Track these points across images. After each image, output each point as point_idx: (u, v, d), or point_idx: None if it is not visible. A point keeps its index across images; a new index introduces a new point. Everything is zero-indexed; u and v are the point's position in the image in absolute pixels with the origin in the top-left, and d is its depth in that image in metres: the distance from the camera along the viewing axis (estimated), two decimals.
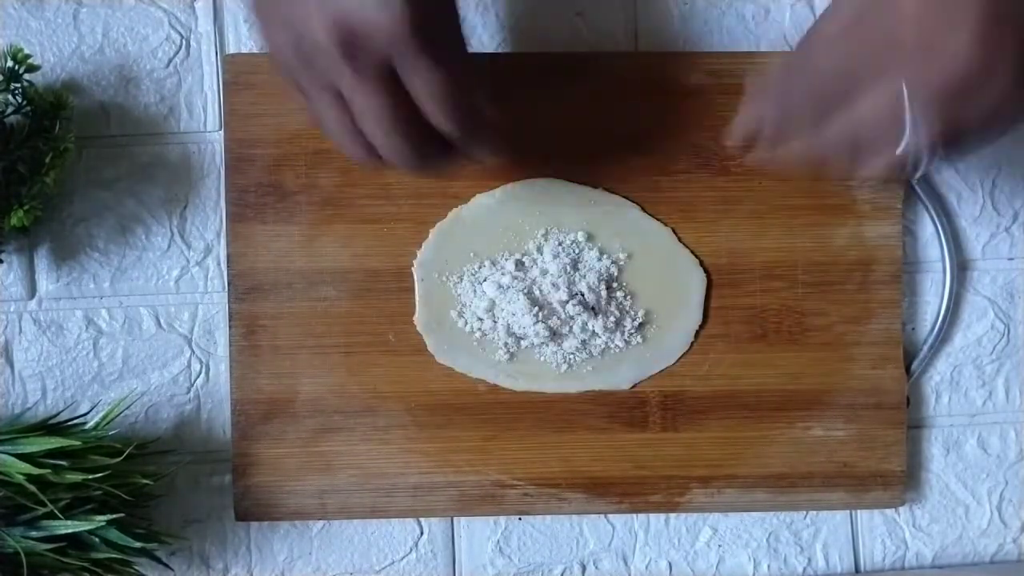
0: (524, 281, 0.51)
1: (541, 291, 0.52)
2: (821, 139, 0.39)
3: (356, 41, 0.38)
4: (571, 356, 0.52)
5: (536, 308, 0.51)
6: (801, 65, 0.40)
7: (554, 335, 0.52)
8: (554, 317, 0.52)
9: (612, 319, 0.52)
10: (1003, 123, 0.37)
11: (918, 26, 0.34)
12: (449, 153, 0.43)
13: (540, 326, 0.51)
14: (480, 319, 0.52)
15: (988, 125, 0.37)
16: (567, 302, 0.51)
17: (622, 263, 0.52)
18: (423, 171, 0.43)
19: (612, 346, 0.52)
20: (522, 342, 0.52)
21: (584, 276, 0.52)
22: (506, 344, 0.52)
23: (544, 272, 0.52)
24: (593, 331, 0.52)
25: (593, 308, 0.52)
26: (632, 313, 0.52)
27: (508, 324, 0.51)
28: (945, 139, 0.37)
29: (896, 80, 0.35)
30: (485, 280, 0.52)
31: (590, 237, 0.52)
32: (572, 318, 0.52)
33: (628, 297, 0.52)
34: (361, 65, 0.38)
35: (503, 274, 0.51)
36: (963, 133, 0.37)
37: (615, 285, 0.52)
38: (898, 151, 0.37)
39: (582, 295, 0.52)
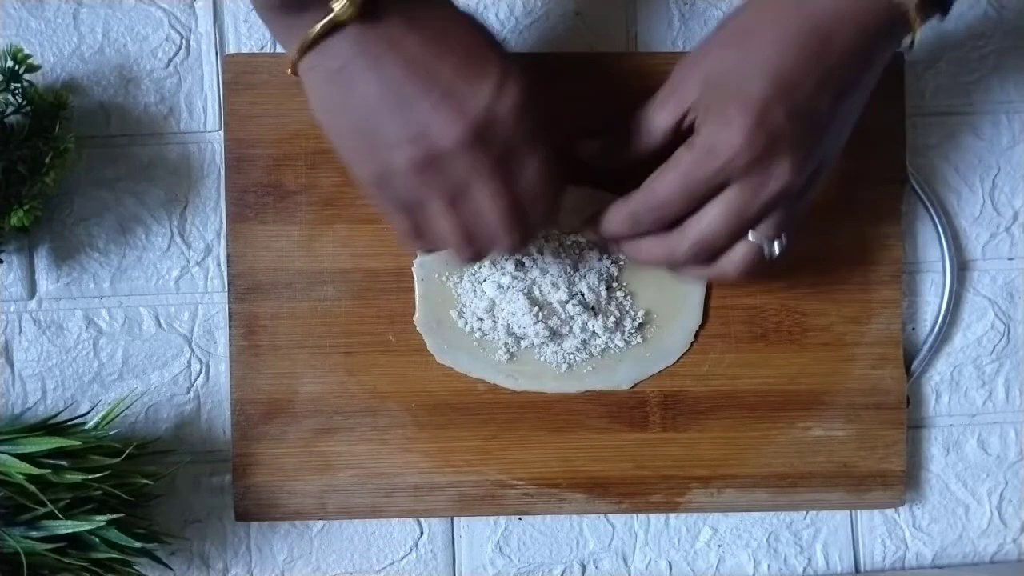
0: (524, 281, 0.51)
1: (541, 291, 0.51)
2: (675, 250, 0.45)
3: (482, 136, 0.40)
4: (571, 356, 0.52)
5: (536, 308, 0.51)
6: (650, 201, 0.45)
7: (554, 335, 0.52)
8: (554, 317, 0.51)
9: (612, 319, 0.52)
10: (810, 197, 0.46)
11: (748, 159, 0.42)
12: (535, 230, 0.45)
13: (540, 326, 0.51)
14: (480, 319, 0.52)
15: (807, 208, 0.46)
16: (567, 302, 0.51)
17: (622, 263, 0.52)
18: (523, 247, 0.46)
19: (612, 346, 0.52)
20: (522, 342, 0.52)
21: (584, 276, 0.52)
22: (506, 344, 0.52)
23: (544, 272, 0.52)
24: (593, 331, 0.52)
25: (593, 308, 0.52)
26: (632, 313, 0.52)
27: (508, 324, 0.51)
28: (781, 232, 0.45)
29: (733, 197, 0.43)
30: (485, 280, 0.52)
31: (590, 237, 0.52)
32: (572, 318, 0.52)
33: (628, 297, 0.52)
34: (486, 159, 0.41)
35: (503, 274, 0.51)
36: (795, 221, 0.45)
37: (615, 285, 0.52)
38: (744, 254, 0.45)
39: (582, 295, 0.52)
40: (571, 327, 0.52)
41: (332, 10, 0.39)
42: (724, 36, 0.44)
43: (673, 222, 0.45)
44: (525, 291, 0.51)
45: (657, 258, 0.47)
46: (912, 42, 0.43)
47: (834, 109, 0.43)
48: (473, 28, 0.42)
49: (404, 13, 0.40)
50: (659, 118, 0.45)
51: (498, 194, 0.41)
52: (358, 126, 0.41)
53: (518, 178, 0.42)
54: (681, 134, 0.45)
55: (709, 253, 0.45)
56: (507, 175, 0.41)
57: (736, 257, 0.45)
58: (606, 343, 0.52)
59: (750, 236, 0.45)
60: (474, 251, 0.43)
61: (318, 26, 0.39)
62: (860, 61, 0.43)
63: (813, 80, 0.42)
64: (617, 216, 0.46)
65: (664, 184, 0.44)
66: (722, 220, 0.44)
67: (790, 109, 0.42)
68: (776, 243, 0.45)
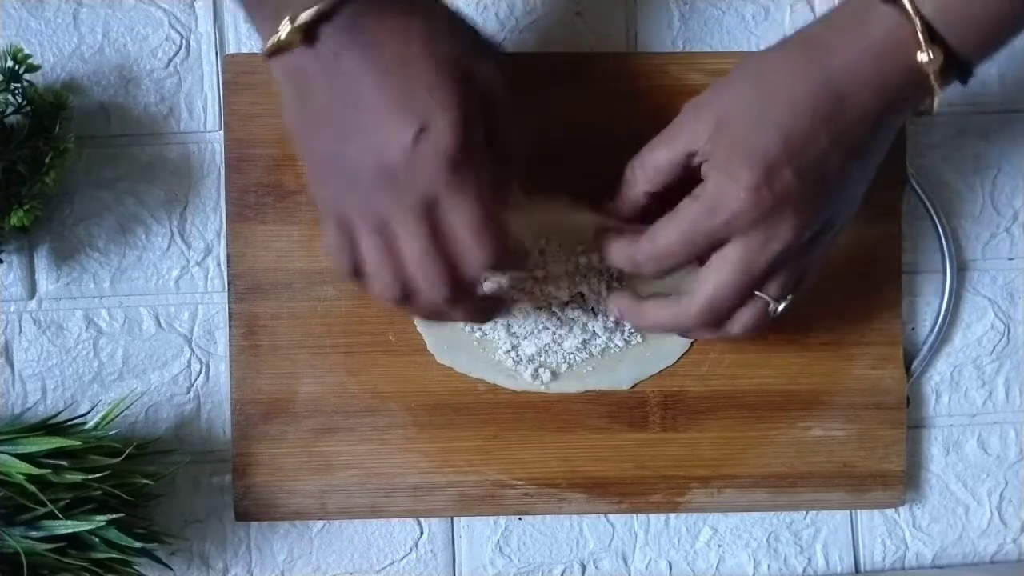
0: (525, 282, 0.51)
1: (542, 292, 0.51)
2: (682, 317, 0.45)
3: (397, 183, 0.39)
4: (571, 356, 0.52)
5: (536, 309, 0.51)
6: (650, 249, 0.44)
7: (554, 335, 0.52)
8: (554, 318, 0.51)
9: (612, 319, 0.52)
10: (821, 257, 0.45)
11: (753, 217, 0.41)
12: (472, 303, 0.44)
13: (540, 326, 0.51)
14: None
15: (816, 270, 0.46)
16: (567, 303, 0.51)
17: None
18: (447, 314, 0.43)
19: (612, 346, 0.52)
20: (522, 342, 0.52)
21: (585, 276, 0.52)
22: (506, 344, 0.52)
23: (545, 272, 0.51)
24: (593, 331, 0.52)
25: (593, 309, 0.52)
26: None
27: (508, 324, 0.51)
28: (787, 293, 0.45)
29: (736, 255, 0.42)
30: (486, 281, 0.52)
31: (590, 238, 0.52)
32: (573, 319, 0.52)
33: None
34: (404, 201, 0.39)
35: (503, 274, 0.51)
36: (803, 283, 0.46)
37: (616, 286, 0.52)
38: (750, 315, 0.45)
39: (582, 296, 0.52)
40: (571, 327, 0.52)
41: (278, 33, 0.38)
42: (740, 82, 0.43)
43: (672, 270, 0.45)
44: (525, 292, 0.51)
45: (664, 326, 0.46)
46: (932, 106, 0.42)
47: (845, 171, 0.42)
48: (422, 56, 0.39)
49: (350, 37, 0.38)
50: (665, 156, 0.44)
51: (417, 244, 0.40)
52: (303, 129, 0.41)
53: (442, 230, 0.40)
54: (688, 176, 0.44)
55: (717, 318, 0.44)
56: (430, 225, 0.39)
57: (743, 318, 0.45)
58: (606, 343, 0.52)
59: (756, 294, 0.44)
60: (394, 295, 0.41)
61: (267, 44, 0.39)
62: (875, 124, 0.42)
63: (826, 141, 0.41)
64: (619, 256, 0.46)
65: (666, 233, 0.43)
66: (730, 281, 0.43)
67: (799, 169, 0.41)
68: (781, 303, 0.45)
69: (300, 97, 0.40)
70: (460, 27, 0.42)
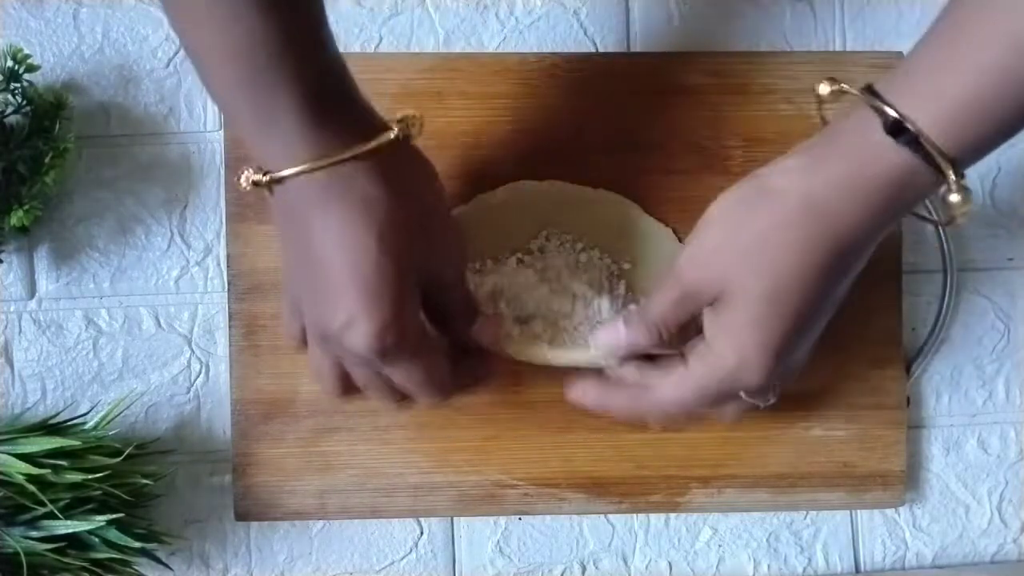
0: (526, 280, 0.51)
1: (546, 277, 0.51)
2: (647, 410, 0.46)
3: (332, 348, 0.42)
4: (576, 331, 0.51)
5: (538, 305, 0.50)
6: (655, 409, 0.46)
7: (558, 314, 0.50)
8: (556, 299, 0.50)
9: (619, 301, 0.51)
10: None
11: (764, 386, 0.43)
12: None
13: (544, 307, 0.50)
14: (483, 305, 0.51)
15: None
16: (573, 292, 0.51)
17: (623, 263, 0.52)
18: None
19: None
20: (524, 327, 0.51)
21: (586, 273, 0.52)
22: (516, 330, 0.51)
23: (544, 266, 0.51)
24: (598, 308, 0.51)
25: (598, 292, 0.51)
26: (637, 302, 0.52)
27: (512, 307, 0.50)
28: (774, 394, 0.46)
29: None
30: (486, 280, 0.52)
31: (590, 237, 0.52)
32: (576, 297, 0.50)
33: (629, 295, 0.52)
34: (352, 361, 0.43)
35: (504, 274, 0.51)
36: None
37: (616, 284, 0.52)
38: (735, 409, 0.46)
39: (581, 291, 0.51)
40: (574, 306, 0.51)
41: (241, 182, 0.40)
42: (741, 242, 0.41)
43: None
44: (529, 287, 0.51)
45: (627, 418, 0.48)
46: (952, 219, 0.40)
47: (839, 303, 0.43)
48: (369, 249, 0.39)
49: (300, 205, 0.39)
50: (671, 318, 0.44)
51: (379, 393, 0.44)
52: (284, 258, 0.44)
53: (391, 378, 0.43)
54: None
55: (689, 417, 0.46)
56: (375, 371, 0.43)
57: (727, 411, 0.46)
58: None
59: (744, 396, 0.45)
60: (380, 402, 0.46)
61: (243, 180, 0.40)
62: (871, 249, 0.42)
63: (833, 298, 0.42)
64: (622, 412, 0.47)
65: (674, 394, 0.44)
66: (730, 412, 0.46)
67: (809, 336, 0.42)
68: (771, 397, 0.45)
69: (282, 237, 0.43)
70: (424, 203, 0.42)
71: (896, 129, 0.38)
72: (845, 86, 0.42)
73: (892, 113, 0.38)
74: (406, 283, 0.40)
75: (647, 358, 0.46)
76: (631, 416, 0.47)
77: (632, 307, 0.48)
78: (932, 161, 0.38)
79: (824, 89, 0.44)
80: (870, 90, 0.39)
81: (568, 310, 0.51)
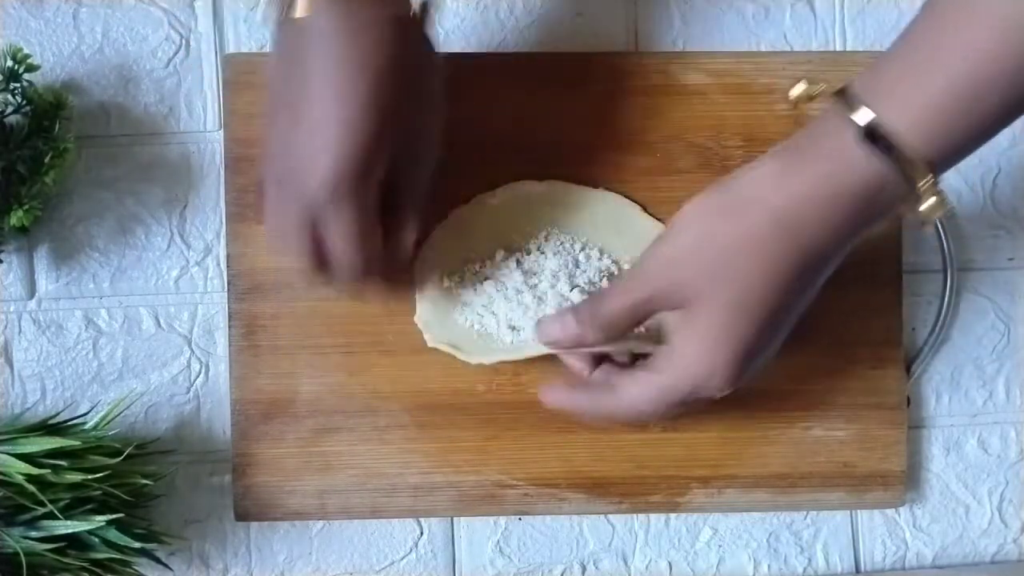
0: (525, 279, 0.51)
1: (541, 287, 0.51)
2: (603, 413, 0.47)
3: (295, 180, 0.43)
4: None
5: (538, 303, 0.51)
6: (616, 413, 0.46)
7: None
8: (553, 312, 0.51)
9: None
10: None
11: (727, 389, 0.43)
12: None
13: (541, 314, 0.50)
14: (480, 315, 0.52)
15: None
16: (567, 299, 0.51)
17: (622, 262, 0.52)
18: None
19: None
20: (522, 333, 0.51)
21: (585, 272, 0.52)
22: (507, 336, 0.51)
23: (544, 269, 0.51)
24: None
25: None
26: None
27: (509, 320, 0.51)
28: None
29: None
30: (486, 280, 0.52)
31: (590, 237, 0.52)
32: (572, 302, 0.50)
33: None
34: (298, 198, 0.43)
35: (504, 273, 0.51)
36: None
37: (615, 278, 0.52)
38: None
39: (582, 288, 0.51)
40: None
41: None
42: (711, 251, 0.41)
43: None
44: (528, 286, 0.51)
45: (605, 418, 0.47)
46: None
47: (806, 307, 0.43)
48: (361, 74, 0.41)
49: (316, 37, 0.41)
50: (625, 319, 0.44)
51: (299, 244, 0.44)
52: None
53: (326, 226, 0.43)
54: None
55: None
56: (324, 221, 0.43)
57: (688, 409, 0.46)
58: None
59: None
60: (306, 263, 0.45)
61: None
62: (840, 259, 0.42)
63: (798, 307, 0.42)
64: (585, 414, 0.48)
65: (633, 399, 0.44)
66: (666, 406, 0.45)
67: (773, 343, 0.43)
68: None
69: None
70: (420, 83, 0.44)
71: (871, 135, 0.37)
72: (818, 88, 0.42)
73: (867, 119, 0.37)
74: (383, 138, 0.42)
75: (608, 359, 0.47)
76: (597, 418, 0.47)
77: (581, 301, 0.48)
78: (906, 167, 0.37)
79: (798, 90, 0.44)
80: (845, 93, 0.39)
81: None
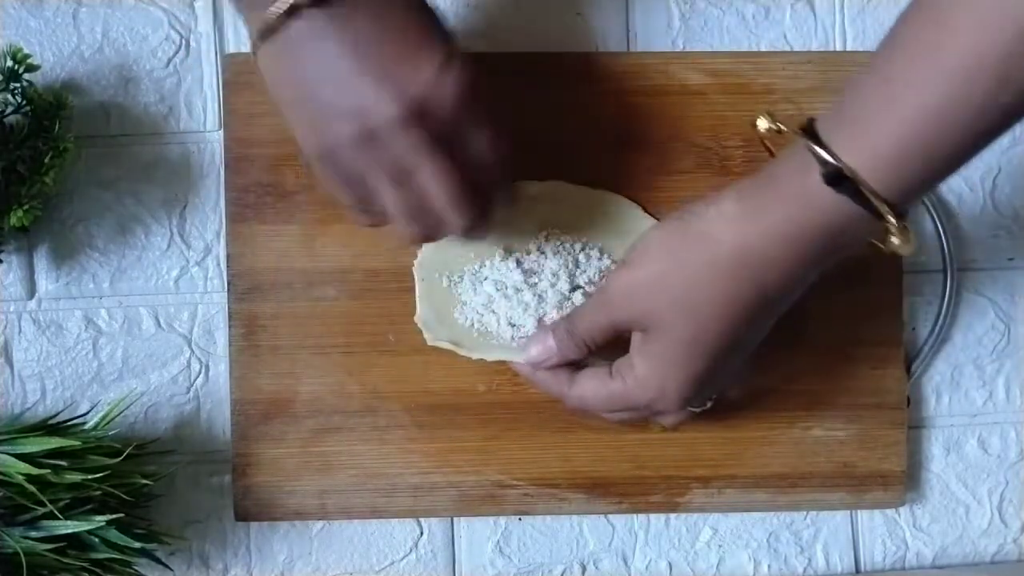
0: (525, 279, 0.51)
1: (540, 287, 0.51)
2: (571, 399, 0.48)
3: (423, 115, 0.40)
4: None
5: (538, 301, 0.50)
6: (574, 401, 0.48)
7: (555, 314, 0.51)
8: (554, 311, 0.51)
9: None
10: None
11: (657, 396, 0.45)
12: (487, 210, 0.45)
13: (541, 312, 0.50)
14: (480, 314, 0.51)
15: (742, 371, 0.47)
16: (568, 298, 0.51)
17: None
18: (476, 230, 0.45)
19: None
20: (522, 329, 0.51)
21: (585, 272, 0.52)
22: (507, 333, 0.51)
23: (544, 268, 0.51)
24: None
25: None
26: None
27: (509, 318, 0.51)
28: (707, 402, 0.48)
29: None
30: (486, 280, 0.52)
31: (590, 237, 0.52)
32: (572, 302, 0.50)
33: None
34: (427, 138, 0.40)
35: (504, 273, 0.51)
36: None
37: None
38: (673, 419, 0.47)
39: (582, 288, 0.51)
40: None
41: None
42: (672, 283, 0.42)
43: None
44: (528, 285, 0.51)
45: (556, 396, 0.49)
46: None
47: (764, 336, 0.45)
48: (424, 13, 0.41)
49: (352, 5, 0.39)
50: (599, 336, 0.46)
51: (441, 173, 0.41)
52: (303, 97, 0.41)
53: (463, 158, 0.41)
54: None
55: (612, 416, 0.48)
56: (451, 155, 0.41)
57: (666, 420, 0.47)
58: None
59: None
60: (420, 230, 0.43)
61: (275, 8, 0.39)
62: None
63: (755, 338, 0.44)
64: (548, 390, 0.49)
65: (590, 394, 0.47)
66: (669, 420, 0.47)
67: (728, 369, 0.44)
68: (707, 404, 0.48)
69: (293, 64, 0.41)
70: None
71: (835, 178, 0.37)
72: (782, 126, 0.42)
73: (831, 162, 0.37)
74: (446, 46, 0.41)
75: None
76: (549, 393, 0.49)
77: (558, 319, 0.49)
78: (871, 207, 0.37)
79: (762, 125, 0.44)
80: (809, 131, 0.39)
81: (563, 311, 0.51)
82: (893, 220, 0.38)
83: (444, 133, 0.40)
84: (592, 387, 0.46)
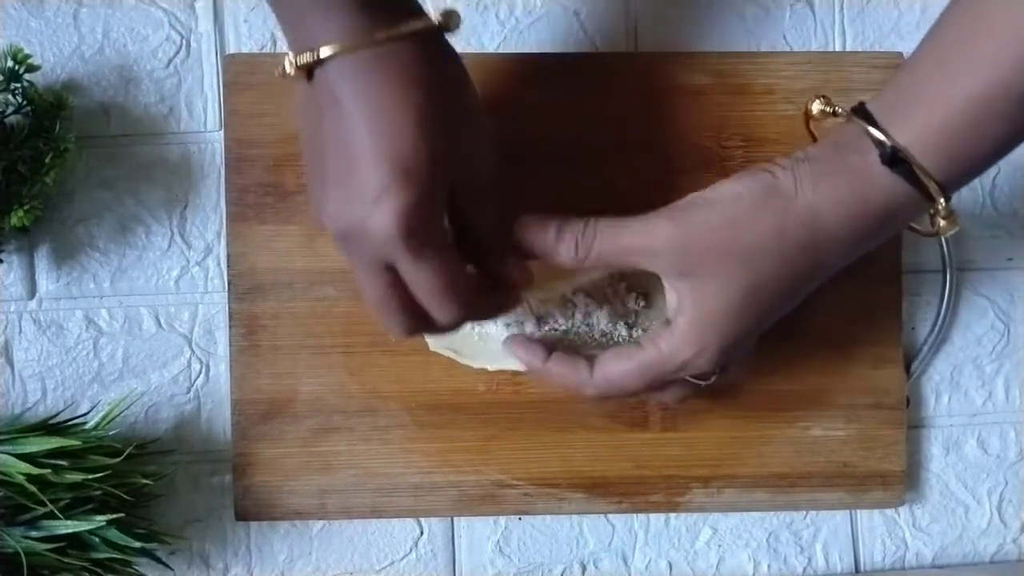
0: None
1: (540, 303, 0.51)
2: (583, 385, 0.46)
3: (359, 241, 0.39)
4: (573, 338, 0.51)
5: (539, 304, 0.50)
6: (603, 385, 0.46)
7: (556, 323, 0.51)
8: (556, 312, 0.51)
9: (618, 306, 0.51)
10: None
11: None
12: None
13: (542, 321, 0.50)
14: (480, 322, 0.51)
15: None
16: (571, 299, 0.51)
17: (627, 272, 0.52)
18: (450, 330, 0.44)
19: (615, 333, 0.51)
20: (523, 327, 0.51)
21: (587, 273, 0.51)
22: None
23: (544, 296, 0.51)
24: (596, 318, 0.51)
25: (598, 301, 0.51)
26: (635, 308, 0.52)
27: (508, 323, 0.51)
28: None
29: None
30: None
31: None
32: (575, 306, 0.51)
33: (630, 293, 0.52)
34: (371, 257, 0.39)
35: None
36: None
37: (617, 282, 0.52)
38: (676, 392, 0.48)
39: (586, 291, 0.51)
40: (574, 314, 0.50)
41: (284, 68, 0.39)
42: (738, 235, 0.41)
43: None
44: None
45: (566, 388, 0.47)
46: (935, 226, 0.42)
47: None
48: (405, 121, 0.38)
49: (355, 79, 0.38)
50: (611, 256, 0.44)
51: (380, 291, 0.40)
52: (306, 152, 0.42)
53: (409, 281, 0.40)
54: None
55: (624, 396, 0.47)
56: (396, 273, 0.40)
57: (668, 393, 0.47)
58: (608, 330, 0.51)
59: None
60: (390, 325, 0.42)
61: (278, 69, 0.39)
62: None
63: (796, 301, 0.43)
64: (567, 383, 0.46)
65: (621, 374, 0.44)
66: (671, 395, 0.47)
67: (763, 328, 0.44)
68: (713, 378, 0.46)
69: (306, 122, 0.41)
70: (460, 100, 0.41)
71: (892, 160, 0.39)
72: (839, 108, 0.43)
73: (888, 143, 0.39)
74: (440, 170, 0.38)
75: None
76: (567, 386, 0.46)
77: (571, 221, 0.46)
78: (924, 189, 0.39)
79: (816, 108, 0.44)
80: (862, 112, 0.40)
81: (564, 321, 0.51)
82: (943, 201, 0.39)
83: (380, 257, 0.39)
84: (619, 364, 0.44)
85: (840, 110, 0.43)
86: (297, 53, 0.38)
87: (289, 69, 0.39)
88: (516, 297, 0.46)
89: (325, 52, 0.38)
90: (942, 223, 0.41)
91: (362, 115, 0.38)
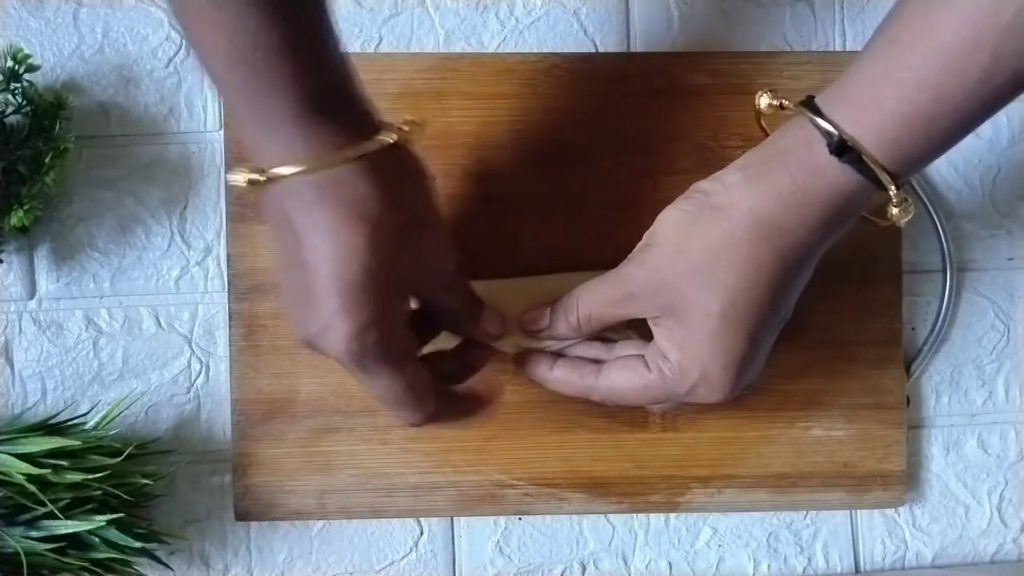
0: None
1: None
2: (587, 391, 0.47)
3: (322, 351, 0.40)
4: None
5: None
6: (608, 396, 0.46)
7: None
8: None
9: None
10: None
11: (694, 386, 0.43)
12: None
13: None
14: None
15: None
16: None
17: None
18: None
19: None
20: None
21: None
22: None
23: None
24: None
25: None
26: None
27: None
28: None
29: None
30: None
31: None
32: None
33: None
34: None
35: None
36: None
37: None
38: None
39: None
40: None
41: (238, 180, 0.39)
42: (692, 259, 0.41)
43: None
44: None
45: (582, 392, 0.47)
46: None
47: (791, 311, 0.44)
48: (353, 247, 0.38)
49: (288, 207, 0.38)
50: (603, 317, 0.45)
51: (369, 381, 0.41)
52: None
53: (368, 393, 0.42)
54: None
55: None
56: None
57: (668, 405, 0.47)
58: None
59: None
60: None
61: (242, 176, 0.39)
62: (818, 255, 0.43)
63: (782, 312, 0.43)
64: (570, 388, 0.47)
65: (623, 387, 0.45)
66: (650, 396, 0.45)
67: (761, 346, 0.43)
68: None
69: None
70: (416, 209, 0.41)
71: (840, 149, 0.39)
72: (786, 102, 0.43)
73: (836, 134, 0.38)
74: (393, 288, 0.40)
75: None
76: (574, 390, 0.47)
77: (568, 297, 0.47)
78: (874, 177, 0.39)
79: (764, 102, 0.44)
80: (811, 105, 0.40)
81: None
82: (894, 189, 0.39)
83: (346, 364, 0.40)
84: (624, 378, 0.45)
85: (787, 103, 0.43)
86: (250, 170, 0.38)
87: (242, 181, 0.38)
88: (482, 403, 0.47)
89: (274, 173, 0.38)
90: (895, 211, 0.41)
91: (310, 240, 0.38)
